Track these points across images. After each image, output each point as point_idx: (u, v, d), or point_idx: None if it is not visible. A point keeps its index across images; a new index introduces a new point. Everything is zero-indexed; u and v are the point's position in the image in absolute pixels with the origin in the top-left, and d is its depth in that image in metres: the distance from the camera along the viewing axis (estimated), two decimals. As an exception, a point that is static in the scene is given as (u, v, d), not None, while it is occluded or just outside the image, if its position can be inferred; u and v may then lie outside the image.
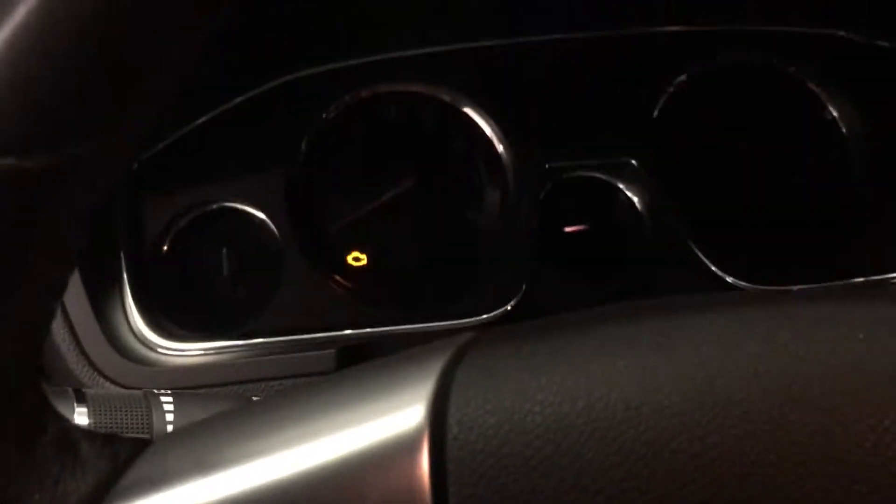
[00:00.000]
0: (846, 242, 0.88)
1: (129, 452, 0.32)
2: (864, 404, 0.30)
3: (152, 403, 0.49)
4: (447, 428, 0.31)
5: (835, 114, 0.90)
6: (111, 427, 0.47)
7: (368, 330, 0.80)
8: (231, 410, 0.35)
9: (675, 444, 0.31)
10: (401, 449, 0.31)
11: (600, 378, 0.33)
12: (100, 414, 0.47)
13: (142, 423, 0.48)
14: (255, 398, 0.54)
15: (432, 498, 0.29)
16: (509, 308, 0.82)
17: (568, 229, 0.86)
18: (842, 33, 0.88)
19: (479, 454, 0.31)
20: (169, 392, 0.50)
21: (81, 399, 0.47)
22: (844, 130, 0.90)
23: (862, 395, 0.30)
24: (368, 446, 0.31)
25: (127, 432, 0.48)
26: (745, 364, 0.32)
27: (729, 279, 0.83)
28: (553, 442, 0.31)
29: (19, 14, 0.28)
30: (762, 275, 0.85)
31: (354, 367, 0.36)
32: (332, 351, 0.74)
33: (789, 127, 0.90)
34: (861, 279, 0.86)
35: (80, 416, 0.47)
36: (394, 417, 0.32)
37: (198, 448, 0.32)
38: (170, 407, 0.49)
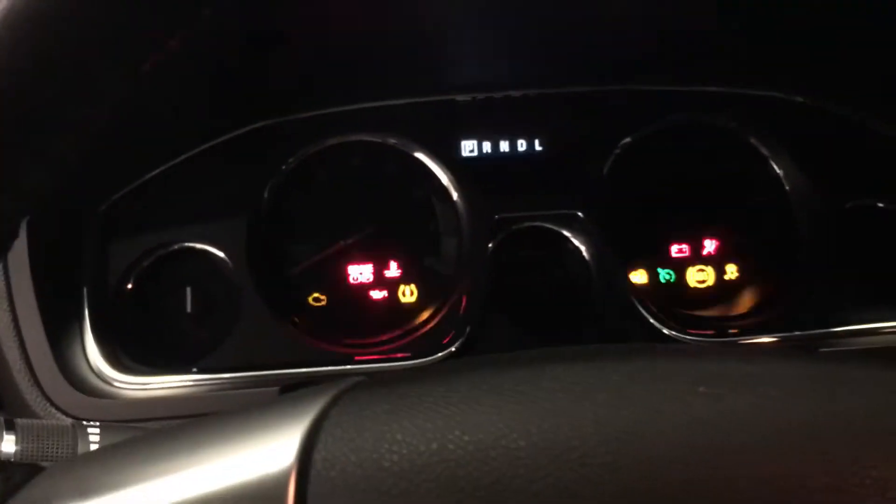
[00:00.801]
0: (788, 297, 0.91)
1: (22, 477, 0.35)
2: (681, 448, 0.33)
3: (79, 434, 0.51)
4: (312, 464, 0.34)
5: (779, 172, 0.92)
6: (37, 454, 0.50)
7: (316, 369, 0.83)
8: (123, 442, 0.38)
9: (517, 484, 0.34)
10: (269, 482, 0.34)
11: (457, 422, 0.36)
12: (27, 441, 0.50)
13: (67, 452, 0.51)
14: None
15: None
16: (454, 349, 0.85)
17: (515, 277, 0.89)
18: (781, 95, 0.91)
19: (338, 490, 0.34)
20: (97, 423, 0.53)
21: (10, 427, 0.50)
22: (788, 188, 0.92)
23: (678, 440, 0.34)
24: (241, 477, 0.34)
25: (52, 460, 0.50)
26: (589, 413, 0.35)
27: (666, 331, 0.86)
28: (407, 479, 0.34)
29: None
30: (701, 328, 0.87)
31: (249, 405, 0.39)
32: (276, 388, 0.77)
33: (734, 185, 0.93)
34: (799, 333, 0.88)
35: (8, 444, 0.49)
36: (268, 452, 0.35)
37: (83, 475, 0.35)
38: (95, 438, 0.52)
